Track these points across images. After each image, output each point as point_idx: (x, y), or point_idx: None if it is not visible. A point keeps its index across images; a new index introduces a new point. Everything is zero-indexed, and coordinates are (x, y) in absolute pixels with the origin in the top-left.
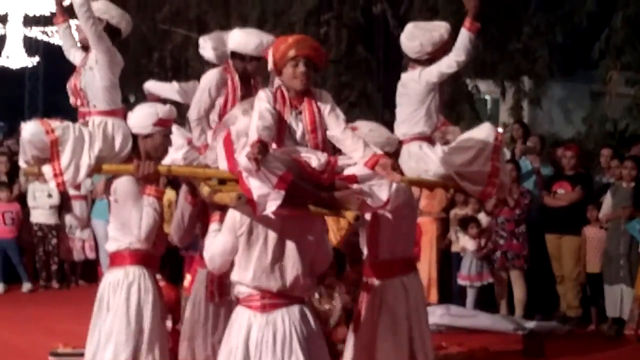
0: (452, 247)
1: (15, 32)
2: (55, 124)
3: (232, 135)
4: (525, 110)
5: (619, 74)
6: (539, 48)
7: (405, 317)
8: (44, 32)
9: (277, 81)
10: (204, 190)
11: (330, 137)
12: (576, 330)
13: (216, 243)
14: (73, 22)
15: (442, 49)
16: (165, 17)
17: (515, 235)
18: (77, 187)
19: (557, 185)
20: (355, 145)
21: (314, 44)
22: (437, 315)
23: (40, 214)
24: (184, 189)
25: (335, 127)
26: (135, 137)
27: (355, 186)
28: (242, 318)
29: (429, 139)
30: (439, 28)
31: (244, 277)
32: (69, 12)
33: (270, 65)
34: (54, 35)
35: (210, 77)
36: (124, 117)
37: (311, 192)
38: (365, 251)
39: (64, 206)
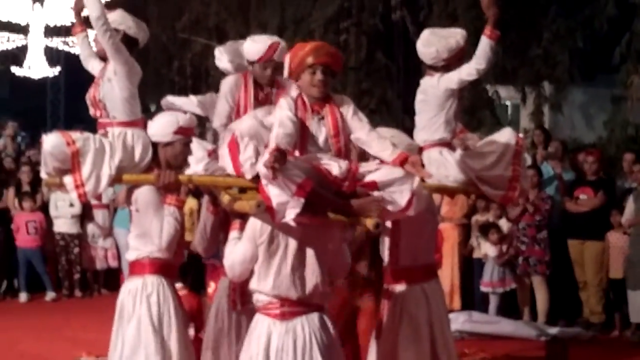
0: (474, 254)
1: (37, 43)
2: (76, 135)
3: (237, 136)
4: (546, 116)
5: None
6: (560, 53)
7: (426, 324)
8: (65, 43)
9: (294, 88)
10: (224, 198)
11: (355, 139)
12: (599, 336)
13: (236, 251)
14: (91, 32)
15: (458, 55)
16: (184, 26)
17: (537, 241)
18: (99, 196)
19: (580, 190)
20: (382, 145)
21: (331, 50)
22: (460, 321)
23: (63, 224)
24: (206, 199)
25: (360, 129)
26: (155, 145)
27: (375, 193)
28: (261, 326)
29: (449, 145)
30: (455, 35)
31: (264, 286)
32: (87, 23)
33: (286, 72)
34: (75, 46)
35: (225, 84)
36: (144, 127)
37: (331, 200)
38: (386, 258)
39: (86, 215)
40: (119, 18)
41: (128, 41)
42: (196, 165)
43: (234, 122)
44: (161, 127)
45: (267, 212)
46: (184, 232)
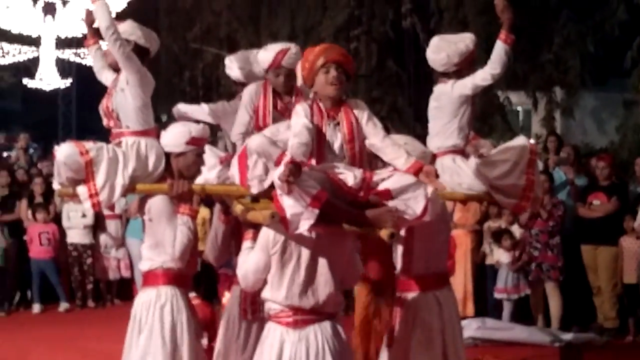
0: (487, 260)
1: (48, 54)
2: (89, 145)
3: (246, 152)
4: (558, 121)
5: None
6: (571, 58)
7: (439, 331)
8: (77, 54)
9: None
10: (237, 208)
11: (369, 145)
12: (614, 341)
13: (249, 261)
14: (103, 44)
15: (469, 59)
16: (195, 36)
17: (550, 246)
18: (112, 206)
19: (593, 196)
20: (396, 153)
21: (342, 51)
22: (473, 328)
23: (75, 234)
24: (217, 207)
25: (375, 135)
26: (168, 155)
27: (390, 202)
28: (274, 334)
29: (462, 152)
30: (464, 39)
31: (277, 296)
32: (99, 35)
33: (300, 79)
34: (87, 57)
35: (246, 94)
36: (157, 137)
37: (345, 211)
38: (398, 265)
39: (98, 226)
40: (129, 29)
41: (139, 51)
42: (208, 172)
43: (252, 130)
44: (174, 137)
45: (281, 222)
46: (197, 242)
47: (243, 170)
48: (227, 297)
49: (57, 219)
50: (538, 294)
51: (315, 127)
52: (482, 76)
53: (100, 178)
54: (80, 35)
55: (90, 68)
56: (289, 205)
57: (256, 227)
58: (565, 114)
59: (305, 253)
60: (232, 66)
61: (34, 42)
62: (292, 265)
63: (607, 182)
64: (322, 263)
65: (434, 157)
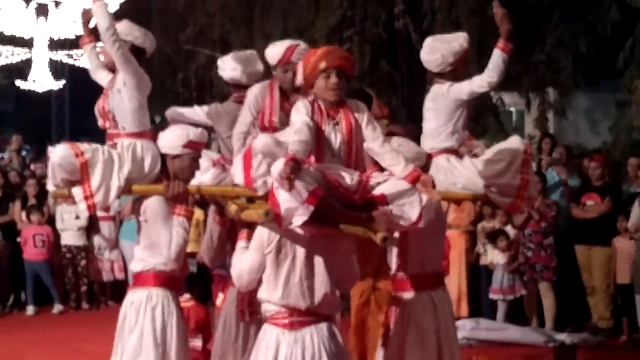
0: (481, 261)
1: (41, 56)
2: (85, 147)
3: (251, 152)
4: (551, 122)
5: None
6: (563, 59)
7: (434, 332)
8: (70, 56)
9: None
10: (232, 208)
11: (368, 149)
12: (608, 341)
13: (244, 261)
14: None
15: (463, 58)
16: (189, 37)
17: (544, 247)
18: (106, 208)
19: (586, 197)
20: (395, 160)
21: (344, 54)
22: (468, 329)
23: (69, 236)
24: (212, 209)
25: (374, 140)
26: (164, 157)
27: (385, 208)
28: (270, 336)
29: (457, 153)
30: (458, 38)
31: (273, 296)
32: (95, 34)
33: (300, 79)
34: (80, 59)
35: (251, 94)
36: (153, 139)
37: (340, 211)
38: (394, 265)
39: (92, 228)
40: (125, 29)
41: (136, 52)
42: (202, 176)
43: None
44: (171, 139)
45: (275, 220)
46: (186, 244)
47: (247, 170)
48: (221, 299)
49: (51, 221)
50: (532, 294)
51: (316, 125)
52: (479, 83)
53: (95, 180)
54: (73, 37)
55: (83, 70)
56: (285, 199)
57: (251, 227)
58: (559, 114)
59: (301, 253)
60: (225, 67)
61: (27, 43)
62: (288, 265)
63: (601, 183)
64: (318, 264)
65: (429, 157)
